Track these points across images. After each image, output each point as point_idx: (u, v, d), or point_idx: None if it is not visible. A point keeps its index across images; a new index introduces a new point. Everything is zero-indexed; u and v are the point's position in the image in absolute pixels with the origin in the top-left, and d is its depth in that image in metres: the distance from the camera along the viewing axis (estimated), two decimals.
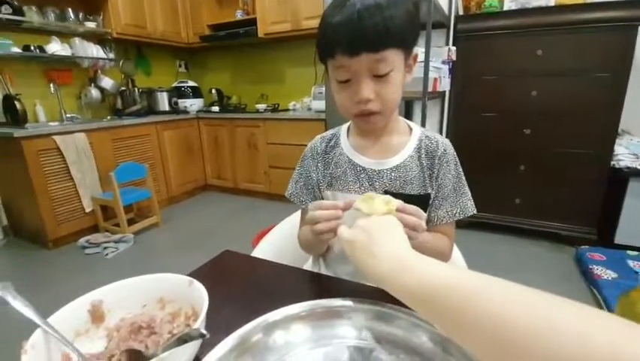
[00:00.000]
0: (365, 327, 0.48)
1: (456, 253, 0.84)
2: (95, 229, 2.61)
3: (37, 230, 2.38)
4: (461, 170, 0.71)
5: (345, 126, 0.77)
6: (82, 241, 2.45)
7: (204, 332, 0.35)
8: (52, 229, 2.37)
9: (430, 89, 1.91)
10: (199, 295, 0.45)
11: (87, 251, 2.36)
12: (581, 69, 2.00)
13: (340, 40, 0.56)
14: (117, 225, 2.55)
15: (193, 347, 0.40)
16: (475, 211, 0.70)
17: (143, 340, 0.42)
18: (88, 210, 2.53)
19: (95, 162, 2.55)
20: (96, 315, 0.46)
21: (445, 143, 0.70)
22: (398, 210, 0.51)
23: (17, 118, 2.35)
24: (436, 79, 2.04)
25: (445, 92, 2.49)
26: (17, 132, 2.13)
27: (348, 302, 0.49)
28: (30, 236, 2.48)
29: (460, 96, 2.39)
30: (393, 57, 0.57)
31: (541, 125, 2.16)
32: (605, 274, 1.76)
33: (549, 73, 2.08)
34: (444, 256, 0.69)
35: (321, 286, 0.65)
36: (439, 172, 0.68)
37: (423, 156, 0.69)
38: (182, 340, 0.35)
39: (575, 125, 2.07)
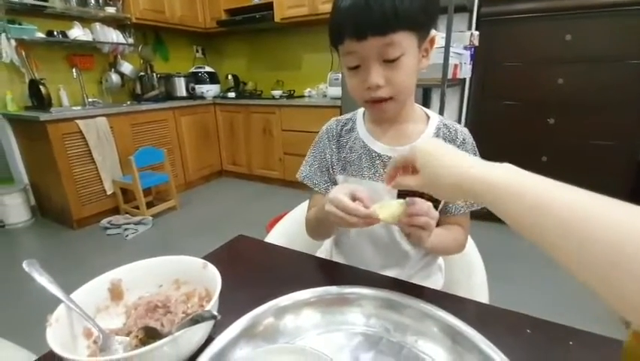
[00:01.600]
0: (374, 315, 0.48)
1: (470, 244, 0.83)
2: (116, 210, 2.71)
3: (62, 210, 2.49)
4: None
5: (361, 111, 0.75)
6: (104, 222, 2.54)
7: (216, 313, 0.37)
8: (77, 210, 2.47)
9: (449, 76, 1.86)
10: (212, 277, 0.46)
11: (109, 232, 2.46)
12: (614, 55, 1.89)
13: (347, 25, 0.55)
14: (137, 207, 2.63)
15: (206, 327, 0.41)
16: None
17: (159, 318, 0.44)
18: (109, 192, 2.62)
19: (116, 145, 2.62)
20: (115, 293, 0.48)
21: (464, 132, 0.69)
22: (408, 205, 0.51)
23: (42, 102, 2.43)
24: (456, 65, 1.98)
25: (465, 79, 2.41)
26: (43, 116, 2.21)
27: (358, 289, 0.50)
28: (56, 216, 2.60)
29: (481, 83, 2.31)
30: (404, 41, 0.55)
31: (567, 116, 2.07)
32: None
33: (578, 59, 1.98)
34: (459, 246, 0.69)
35: (333, 273, 0.65)
36: None
37: None
38: (195, 320, 0.37)
39: (604, 116, 1.98)
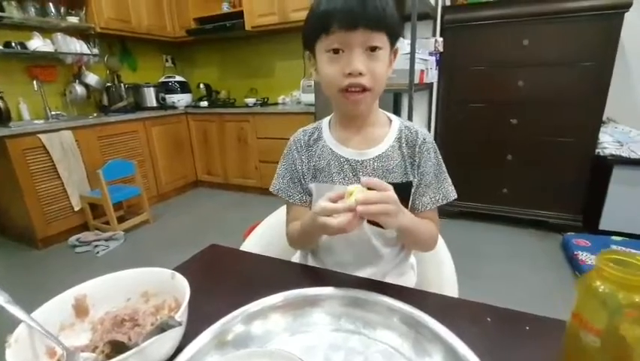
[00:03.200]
0: (344, 314, 0.50)
1: (439, 242, 0.87)
2: (85, 227, 2.59)
3: (25, 230, 2.36)
4: (440, 157, 0.73)
5: (326, 120, 0.78)
6: (72, 239, 2.43)
7: (179, 320, 0.37)
8: (41, 229, 2.34)
9: (416, 81, 1.92)
10: (181, 287, 0.46)
11: (78, 250, 2.35)
12: (567, 58, 2.03)
13: (338, 13, 0.57)
14: (107, 223, 2.53)
15: (174, 337, 0.41)
16: (455, 196, 0.72)
17: (126, 332, 0.44)
18: (77, 208, 2.51)
19: (82, 159, 2.52)
20: (80, 309, 0.47)
21: (423, 132, 0.72)
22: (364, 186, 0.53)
23: (0, 117, 2.30)
24: (422, 71, 2.06)
25: (432, 83, 2.51)
26: (1, 131, 2.09)
27: (326, 290, 0.51)
28: (18, 236, 2.46)
29: (447, 88, 2.40)
30: (384, 41, 0.60)
31: (528, 115, 2.19)
32: (590, 259, 1.81)
33: (535, 63, 2.10)
34: (432, 240, 0.71)
35: (306, 276, 0.66)
36: (420, 160, 0.70)
37: (404, 145, 0.70)
38: (161, 328, 0.36)
39: (561, 115, 2.11)
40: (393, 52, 0.66)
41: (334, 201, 0.54)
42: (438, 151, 0.73)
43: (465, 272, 0.82)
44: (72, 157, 2.45)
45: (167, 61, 3.87)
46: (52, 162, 2.34)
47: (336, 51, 0.60)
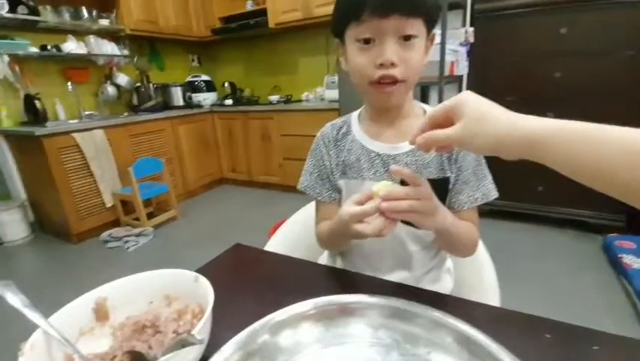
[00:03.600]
0: (382, 325, 0.44)
1: (479, 244, 0.80)
2: (116, 223, 2.68)
3: (61, 225, 2.46)
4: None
5: (355, 113, 0.73)
6: (104, 235, 2.51)
7: (199, 338, 0.33)
8: (76, 224, 2.44)
9: (446, 73, 1.83)
10: (204, 292, 0.43)
11: (109, 245, 2.42)
12: (608, 47, 1.87)
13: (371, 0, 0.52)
14: (137, 219, 2.60)
15: (196, 349, 0.38)
16: (497, 195, 0.65)
17: (147, 339, 0.41)
18: (109, 205, 2.59)
19: (114, 157, 2.60)
20: (100, 313, 0.45)
21: None
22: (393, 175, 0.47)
23: (38, 117, 2.41)
24: (452, 62, 1.96)
25: (462, 76, 2.39)
26: (38, 131, 2.18)
27: (363, 298, 0.46)
28: (55, 231, 2.57)
29: (478, 80, 2.28)
30: (420, 28, 0.55)
31: (565, 109, 2.03)
32: (636, 263, 1.66)
33: (574, 53, 1.95)
34: (473, 244, 0.65)
35: (335, 280, 0.62)
36: (458, 155, 0.64)
37: None
38: (181, 345, 0.33)
39: (602, 107, 1.94)
40: (430, 38, 0.60)
41: (362, 203, 0.49)
42: None
43: (504, 276, 0.75)
44: (104, 155, 2.53)
45: (193, 60, 3.94)
46: (86, 160, 2.43)
47: (367, 41, 0.56)
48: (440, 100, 1.84)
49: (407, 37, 0.54)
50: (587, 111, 1.93)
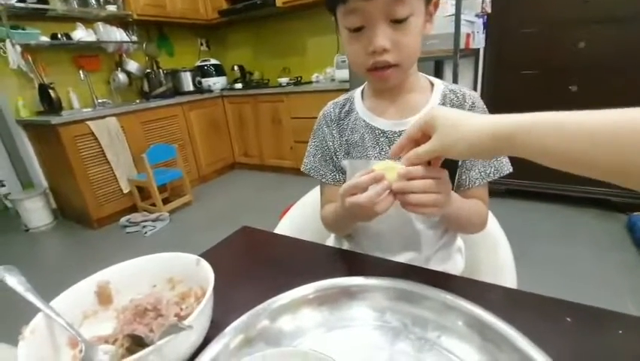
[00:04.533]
0: (388, 308, 0.43)
1: (492, 222, 0.76)
2: (133, 208, 2.74)
3: (82, 211, 2.54)
4: None
5: (359, 89, 0.70)
6: (123, 220, 2.58)
7: (185, 325, 0.32)
8: (95, 210, 2.51)
9: (462, 46, 1.74)
10: (205, 275, 0.42)
11: (128, 230, 2.49)
12: (637, 13, 1.72)
13: None
14: (153, 204, 2.65)
15: (197, 333, 0.37)
16: (511, 170, 0.62)
17: (149, 323, 0.40)
18: (125, 191, 2.65)
19: (128, 144, 2.64)
20: (103, 296, 0.45)
21: (472, 95, 0.62)
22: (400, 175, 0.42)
23: (53, 106, 2.45)
24: (468, 35, 1.86)
25: (479, 49, 2.27)
26: (54, 120, 2.22)
27: (367, 280, 0.44)
28: (77, 217, 2.66)
29: (496, 53, 2.16)
30: (414, 3, 0.50)
31: (591, 81, 1.91)
32: None
33: (600, 19, 1.80)
34: (481, 222, 0.62)
35: (342, 262, 0.60)
36: None
37: None
38: (172, 331, 0.32)
39: (630, 79, 1.82)
40: (433, 3, 0.55)
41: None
42: None
43: (518, 256, 0.71)
44: (118, 142, 2.57)
45: (201, 44, 3.90)
46: (101, 147, 2.47)
47: (357, 29, 0.52)
48: (455, 76, 1.76)
49: (399, 20, 0.50)
50: (612, 83, 1.84)
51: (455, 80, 1.76)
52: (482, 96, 0.63)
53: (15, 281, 0.38)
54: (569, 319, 0.41)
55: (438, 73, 2.43)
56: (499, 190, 2.26)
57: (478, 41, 2.10)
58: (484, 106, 0.62)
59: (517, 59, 2.08)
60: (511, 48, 2.09)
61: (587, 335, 0.40)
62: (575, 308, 0.43)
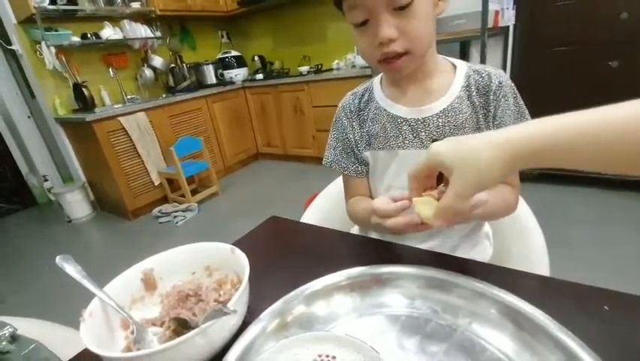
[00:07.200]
0: (418, 296, 0.43)
1: (523, 208, 0.74)
2: (164, 200, 2.87)
3: (118, 203, 2.68)
4: (523, 104, 0.60)
5: (377, 78, 0.68)
6: (155, 211, 2.71)
7: (230, 309, 0.34)
8: (130, 202, 2.65)
9: (490, 24, 1.66)
10: (240, 263, 0.44)
11: (160, 220, 2.61)
12: None
13: None
14: (182, 195, 2.76)
15: (237, 317, 0.39)
16: None
17: (191, 307, 0.43)
18: (156, 183, 2.77)
19: (157, 138, 2.74)
20: (149, 283, 0.48)
21: (499, 74, 0.59)
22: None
23: (87, 104, 2.58)
24: (497, 12, 1.76)
25: (508, 27, 2.15)
26: (88, 117, 2.35)
27: (397, 268, 0.45)
28: (113, 209, 2.81)
29: (527, 30, 2.04)
30: None
31: (634, 56, 1.77)
32: None
33: None
34: (508, 208, 0.60)
35: (369, 250, 0.61)
36: (497, 110, 0.58)
37: (474, 94, 0.58)
38: (217, 315, 0.35)
39: None
40: None
41: (395, 201, 0.46)
42: (519, 96, 0.59)
43: (551, 242, 0.69)
44: (148, 136, 2.67)
45: (222, 37, 3.94)
46: (132, 142, 2.58)
47: (362, 23, 0.51)
48: (483, 57, 1.68)
49: (402, 7, 0.48)
50: None
51: (483, 61, 1.68)
52: (512, 78, 0.60)
53: (72, 270, 0.42)
54: (606, 308, 0.41)
55: (464, 55, 2.33)
56: (532, 175, 2.18)
57: (508, 18, 1.99)
58: (513, 85, 0.59)
59: (550, 36, 1.96)
60: (543, 24, 1.96)
61: (626, 324, 0.39)
62: (614, 297, 0.42)
